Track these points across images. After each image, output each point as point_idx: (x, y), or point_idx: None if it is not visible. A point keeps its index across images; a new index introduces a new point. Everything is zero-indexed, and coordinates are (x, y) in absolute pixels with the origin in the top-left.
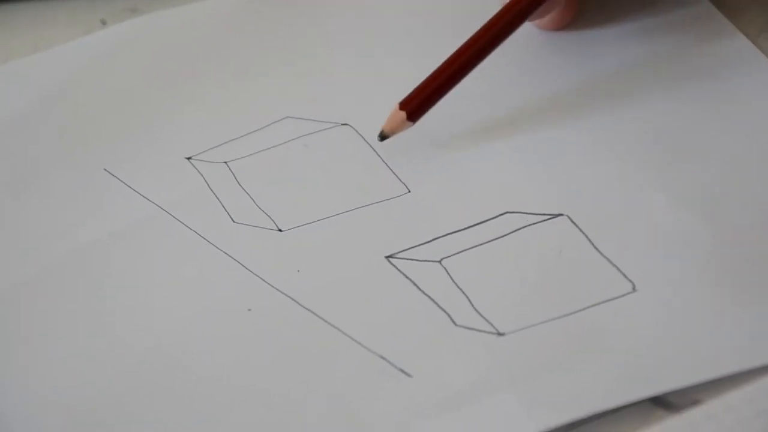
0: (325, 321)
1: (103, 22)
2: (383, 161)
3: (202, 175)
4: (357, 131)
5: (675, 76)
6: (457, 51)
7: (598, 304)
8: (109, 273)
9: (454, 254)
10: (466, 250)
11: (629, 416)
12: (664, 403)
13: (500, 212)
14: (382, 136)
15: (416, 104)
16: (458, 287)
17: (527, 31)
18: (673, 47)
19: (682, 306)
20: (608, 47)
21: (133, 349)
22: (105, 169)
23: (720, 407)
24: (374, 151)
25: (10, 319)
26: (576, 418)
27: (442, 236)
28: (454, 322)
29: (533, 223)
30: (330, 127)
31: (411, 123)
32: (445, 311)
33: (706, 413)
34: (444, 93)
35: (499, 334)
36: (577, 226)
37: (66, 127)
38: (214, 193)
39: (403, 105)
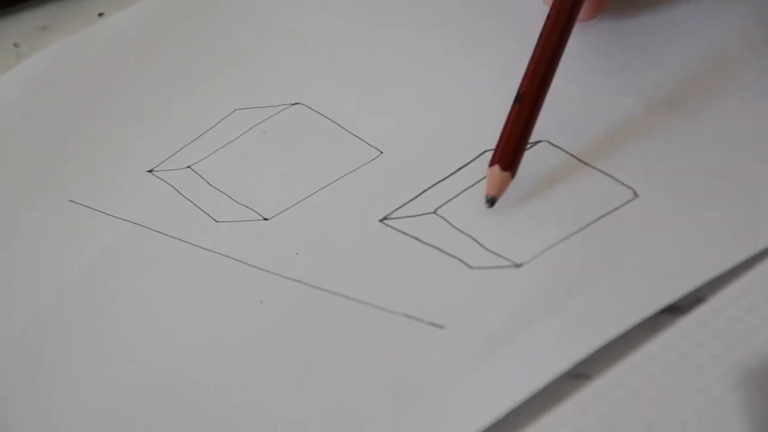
0: (341, 295)
1: (16, 45)
2: (347, 130)
3: (170, 185)
4: (310, 108)
5: None
6: (527, 83)
7: (605, 215)
8: (109, 298)
9: (447, 202)
10: (457, 195)
11: (637, 327)
12: (669, 307)
13: (479, 152)
14: (492, 201)
15: (510, 155)
16: (462, 232)
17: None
18: None
19: (685, 202)
20: None
21: (153, 368)
22: (71, 200)
23: (725, 301)
24: (334, 122)
25: (19, 365)
26: (618, 334)
27: (429, 188)
28: (468, 266)
29: None
30: (283, 109)
31: (512, 176)
32: (456, 257)
33: (713, 309)
34: (530, 131)
35: (517, 265)
36: (560, 148)
37: (14, 167)
38: (188, 199)
39: (500, 161)
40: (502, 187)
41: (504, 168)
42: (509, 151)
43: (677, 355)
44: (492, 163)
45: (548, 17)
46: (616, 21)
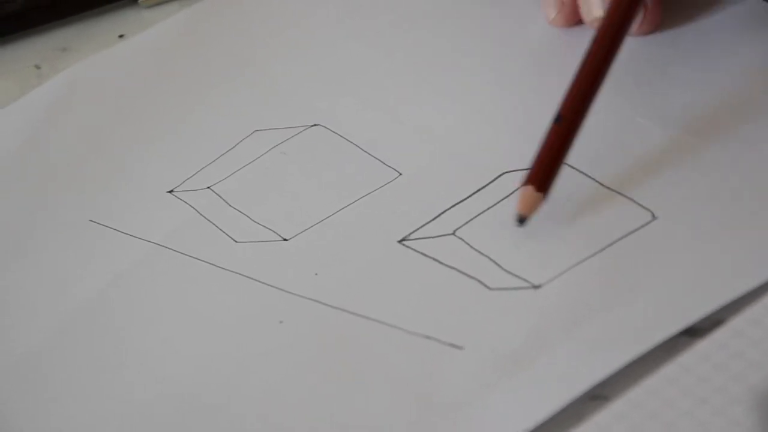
0: (360, 316)
1: (38, 66)
2: (365, 152)
3: (190, 205)
4: (329, 129)
5: None
6: (568, 104)
7: (623, 237)
8: (128, 318)
9: (466, 223)
10: (476, 217)
11: (655, 349)
12: (687, 329)
13: (497, 174)
14: (522, 220)
15: (544, 176)
16: (481, 253)
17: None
18: None
19: (704, 224)
20: None
21: (171, 387)
22: (91, 221)
23: (745, 323)
24: (353, 143)
25: (36, 383)
26: (637, 356)
27: (448, 209)
28: (487, 287)
29: None
30: (302, 131)
31: (543, 196)
32: (475, 278)
33: (732, 331)
34: (566, 153)
35: (536, 287)
36: (578, 170)
37: (35, 187)
38: (208, 219)
39: (534, 182)
40: (534, 207)
41: (538, 189)
42: (543, 172)
43: (696, 378)
44: (525, 183)
45: (593, 40)
46: (634, 39)
